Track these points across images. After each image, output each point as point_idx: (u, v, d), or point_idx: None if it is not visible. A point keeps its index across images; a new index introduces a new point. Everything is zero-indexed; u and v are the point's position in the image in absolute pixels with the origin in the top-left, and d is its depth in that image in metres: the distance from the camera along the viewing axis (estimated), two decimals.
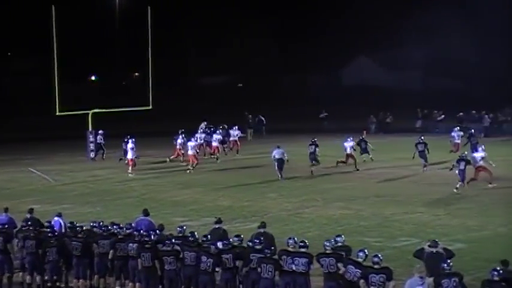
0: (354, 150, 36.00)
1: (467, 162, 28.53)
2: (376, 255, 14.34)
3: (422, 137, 34.85)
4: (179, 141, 38.21)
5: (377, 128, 54.28)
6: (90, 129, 40.80)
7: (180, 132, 38.68)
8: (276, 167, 32.73)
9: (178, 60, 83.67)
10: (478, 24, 72.50)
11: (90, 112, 41.29)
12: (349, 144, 35.68)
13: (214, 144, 39.42)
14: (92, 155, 40.61)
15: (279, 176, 32.51)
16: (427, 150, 33.89)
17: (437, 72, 79.26)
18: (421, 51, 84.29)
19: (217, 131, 40.93)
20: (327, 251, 15.06)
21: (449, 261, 14.28)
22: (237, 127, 42.55)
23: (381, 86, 79.42)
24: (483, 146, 30.86)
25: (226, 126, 42.62)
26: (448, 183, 30.20)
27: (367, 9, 78.38)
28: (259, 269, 15.32)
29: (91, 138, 40.62)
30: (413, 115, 55.23)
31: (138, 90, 50.55)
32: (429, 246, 15.37)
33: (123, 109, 44.00)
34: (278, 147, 33.37)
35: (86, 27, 73.50)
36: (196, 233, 16.76)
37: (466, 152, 31.41)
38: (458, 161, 28.62)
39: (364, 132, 42.42)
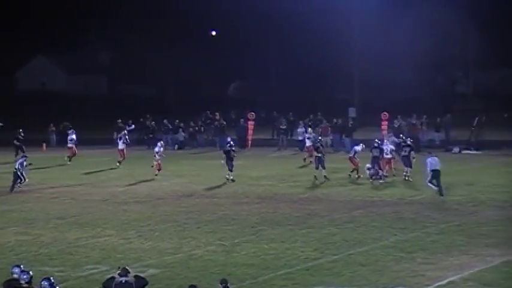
0: None
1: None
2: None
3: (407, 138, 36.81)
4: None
5: (58, 140, 53.79)
6: None
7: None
8: None
9: None
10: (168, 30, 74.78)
11: None
12: None
13: None
14: None
15: None
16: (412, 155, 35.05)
17: (126, 78, 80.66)
18: (108, 53, 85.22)
19: None
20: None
21: None
22: None
23: (63, 91, 78.93)
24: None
25: None
26: (141, 202, 30.95)
27: (46, 5, 77.57)
28: None
29: None
30: (101, 124, 55.45)
31: None
32: (119, 274, 15.51)
33: None
34: None
35: None
36: None
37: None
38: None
39: (44, 144, 42.00)
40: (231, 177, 35.50)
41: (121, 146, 41.71)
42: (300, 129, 48.27)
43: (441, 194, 30.70)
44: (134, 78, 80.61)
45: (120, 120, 54.24)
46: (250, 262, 21.46)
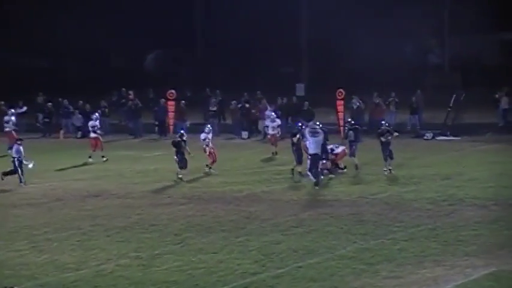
0: None
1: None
2: None
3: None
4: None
5: None
6: None
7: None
8: None
9: None
10: None
11: None
12: None
13: None
14: None
15: None
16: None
17: (11, 46, 79.79)
18: None
19: None
20: None
21: None
22: None
23: None
24: None
25: None
26: (36, 204, 30.78)
27: None
28: None
29: None
30: None
31: None
32: None
33: None
34: None
35: None
36: None
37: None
38: None
39: None
40: (180, 176, 35.39)
41: (93, 134, 40.94)
42: (268, 112, 47.14)
43: (317, 184, 32.40)
44: (21, 47, 79.54)
45: (3, 102, 53.36)
46: (173, 279, 21.42)
